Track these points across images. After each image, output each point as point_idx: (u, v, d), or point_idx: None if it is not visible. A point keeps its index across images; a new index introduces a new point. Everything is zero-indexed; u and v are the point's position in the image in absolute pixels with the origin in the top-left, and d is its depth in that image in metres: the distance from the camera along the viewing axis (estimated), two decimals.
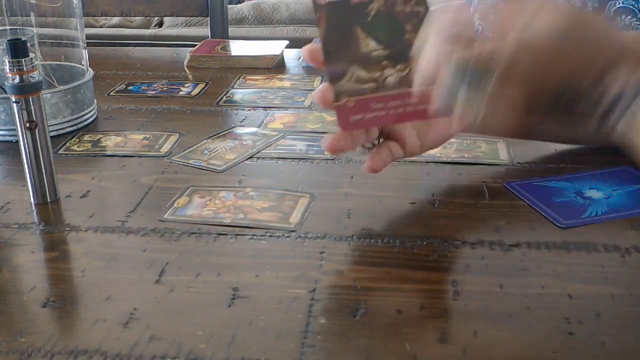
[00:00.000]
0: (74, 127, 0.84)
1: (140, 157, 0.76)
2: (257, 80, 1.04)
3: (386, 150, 0.61)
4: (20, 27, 0.90)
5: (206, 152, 0.76)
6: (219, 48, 1.19)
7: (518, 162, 0.72)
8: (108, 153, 0.77)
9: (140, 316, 0.48)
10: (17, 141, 0.64)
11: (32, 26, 0.90)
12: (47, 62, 0.91)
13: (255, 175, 0.71)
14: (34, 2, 0.90)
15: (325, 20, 0.57)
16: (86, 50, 0.91)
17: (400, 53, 0.57)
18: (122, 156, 0.76)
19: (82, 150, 0.78)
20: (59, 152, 0.78)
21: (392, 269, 0.54)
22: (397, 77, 0.58)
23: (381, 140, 0.62)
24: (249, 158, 0.75)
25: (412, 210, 0.63)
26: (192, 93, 0.99)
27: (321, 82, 1.00)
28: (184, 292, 0.51)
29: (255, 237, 0.59)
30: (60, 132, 0.83)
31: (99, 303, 0.50)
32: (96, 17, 2.47)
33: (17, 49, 0.62)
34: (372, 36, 0.58)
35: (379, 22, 0.58)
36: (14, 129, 0.65)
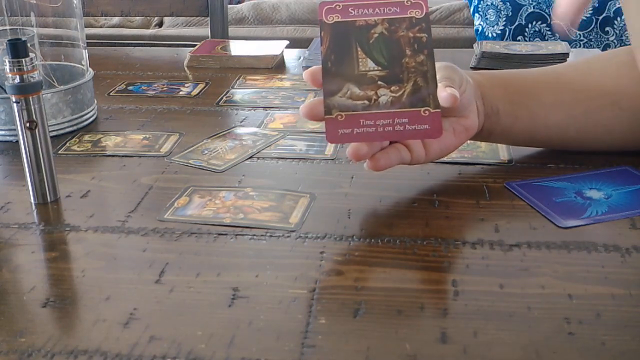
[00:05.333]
0: (74, 127, 0.84)
1: (140, 157, 0.76)
2: (257, 80, 1.04)
3: (395, 152, 0.63)
4: (20, 27, 0.90)
5: (206, 152, 0.76)
6: (219, 48, 1.19)
7: (518, 162, 0.72)
8: (108, 153, 0.77)
9: (140, 316, 0.48)
10: (17, 141, 0.64)
11: (32, 26, 0.90)
12: (47, 62, 0.91)
13: (255, 175, 0.71)
14: (34, 2, 0.90)
15: (328, 37, 0.61)
16: (86, 50, 0.91)
17: (396, 75, 0.61)
18: (122, 156, 0.76)
19: (82, 150, 0.78)
20: (59, 152, 0.78)
21: (392, 269, 0.54)
22: (390, 98, 0.61)
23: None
24: (249, 158, 0.75)
25: (412, 210, 0.63)
26: (192, 93, 0.99)
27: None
28: (184, 292, 0.51)
29: (255, 237, 0.59)
30: (60, 132, 0.83)
31: (99, 303, 0.50)
32: (96, 17, 2.47)
33: (17, 49, 0.62)
34: (371, 57, 0.61)
35: (380, 45, 0.62)
36: (14, 129, 0.65)
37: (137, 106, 0.93)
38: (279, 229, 0.60)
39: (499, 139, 0.72)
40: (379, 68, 0.61)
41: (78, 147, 0.79)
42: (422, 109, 0.60)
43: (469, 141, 0.69)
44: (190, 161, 0.74)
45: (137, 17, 2.51)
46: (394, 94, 0.60)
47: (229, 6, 2.24)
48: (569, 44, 1.11)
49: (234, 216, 0.62)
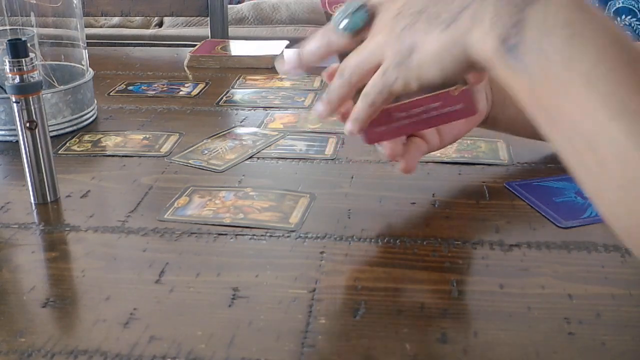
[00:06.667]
0: (74, 127, 0.84)
1: (140, 157, 0.76)
2: (257, 80, 1.04)
3: (414, 148, 0.61)
4: (20, 27, 0.90)
5: (206, 152, 0.76)
6: (219, 48, 1.19)
7: (518, 162, 0.72)
8: (108, 153, 0.77)
9: (140, 316, 0.48)
10: (17, 141, 0.65)
11: (32, 26, 0.90)
12: (47, 62, 0.91)
13: (255, 175, 0.71)
14: (34, 2, 0.90)
15: None
16: (86, 50, 0.91)
17: None
18: (122, 156, 0.76)
19: (82, 150, 0.78)
20: (59, 152, 0.78)
21: (392, 269, 0.54)
22: None
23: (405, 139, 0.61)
24: (249, 158, 0.75)
25: (412, 210, 0.63)
26: (192, 93, 0.99)
27: (321, 83, 1.00)
28: (184, 292, 0.51)
29: (255, 237, 0.59)
30: (60, 132, 0.83)
31: (99, 303, 0.50)
32: (96, 17, 2.47)
33: (17, 49, 0.62)
34: None
35: None
36: (14, 129, 0.65)
37: (137, 106, 0.93)
38: (279, 229, 0.60)
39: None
40: None
41: (78, 147, 0.79)
42: (452, 88, 0.56)
43: (469, 141, 0.69)
44: (190, 161, 0.74)
45: (137, 17, 2.51)
46: None
47: (229, 6, 2.24)
48: None
49: (234, 216, 0.62)
